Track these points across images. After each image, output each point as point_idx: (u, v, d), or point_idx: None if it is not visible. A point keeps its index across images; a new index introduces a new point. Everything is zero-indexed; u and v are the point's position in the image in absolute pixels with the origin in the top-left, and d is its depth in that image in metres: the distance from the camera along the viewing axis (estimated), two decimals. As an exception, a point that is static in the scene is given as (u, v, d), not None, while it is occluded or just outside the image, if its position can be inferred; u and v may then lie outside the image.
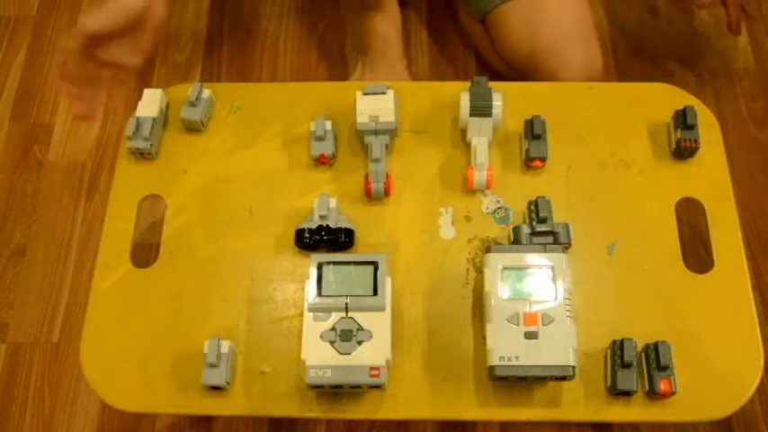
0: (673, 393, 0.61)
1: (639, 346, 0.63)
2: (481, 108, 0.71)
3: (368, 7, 1.06)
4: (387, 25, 1.07)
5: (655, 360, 0.62)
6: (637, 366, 0.62)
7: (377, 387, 0.61)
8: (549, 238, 0.67)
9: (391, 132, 0.73)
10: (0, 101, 1.18)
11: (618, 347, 0.62)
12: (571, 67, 0.90)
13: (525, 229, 0.67)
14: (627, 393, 0.62)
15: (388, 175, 0.71)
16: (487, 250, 0.65)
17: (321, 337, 0.61)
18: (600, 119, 0.76)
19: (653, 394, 0.61)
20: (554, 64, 0.90)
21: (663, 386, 0.61)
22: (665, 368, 0.61)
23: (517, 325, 0.60)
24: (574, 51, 0.91)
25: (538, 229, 0.67)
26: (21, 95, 1.19)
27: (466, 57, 1.19)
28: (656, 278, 0.67)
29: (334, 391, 0.63)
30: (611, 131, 0.75)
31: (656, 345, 0.62)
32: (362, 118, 0.72)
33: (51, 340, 1.00)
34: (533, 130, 0.72)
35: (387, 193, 0.71)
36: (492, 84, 0.73)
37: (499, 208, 0.72)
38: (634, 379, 0.61)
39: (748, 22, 1.20)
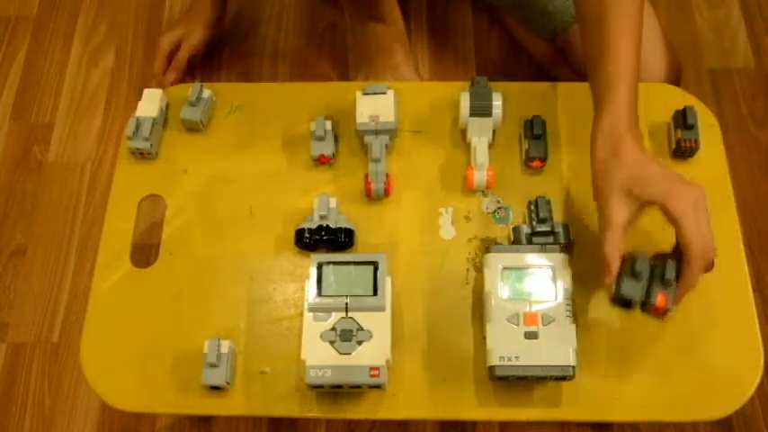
0: (667, 310, 0.60)
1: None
2: (481, 108, 0.71)
3: (371, 19, 1.06)
4: (390, 37, 1.07)
5: (660, 275, 0.61)
6: (645, 280, 0.61)
7: (377, 387, 0.61)
8: (549, 238, 0.67)
9: (391, 132, 0.73)
10: (0, 101, 1.18)
11: (632, 259, 0.61)
12: (655, 75, 0.86)
13: (525, 229, 0.67)
14: (627, 304, 0.62)
15: (388, 175, 0.71)
16: (487, 250, 0.65)
17: (321, 337, 0.61)
18: (600, 119, 0.76)
19: (648, 306, 0.61)
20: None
21: (659, 300, 0.60)
22: (668, 283, 0.60)
23: (517, 325, 0.60)
24: (657, 60, 0.87)
25: (538, 229, 0.67)
26: (21, 95, 1.18)
27: (466, 57, 1.19)
28: (656, 278, 0.67)
29: (334, 391, 0.63)
30: (611, 131, 0.75)
31: (664, 262, 0.61)
32: (362, 118, 0.72)
33: (51, 340, 1.00)
34: (533, 130, 0.72)
35: (387, 193, 0.71)
36: (492, 84, 0.73)
37: (499, 208, 0.72)
38: (638, 289, 0.60)
39: (747, 23, 1.20)
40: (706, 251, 0.58)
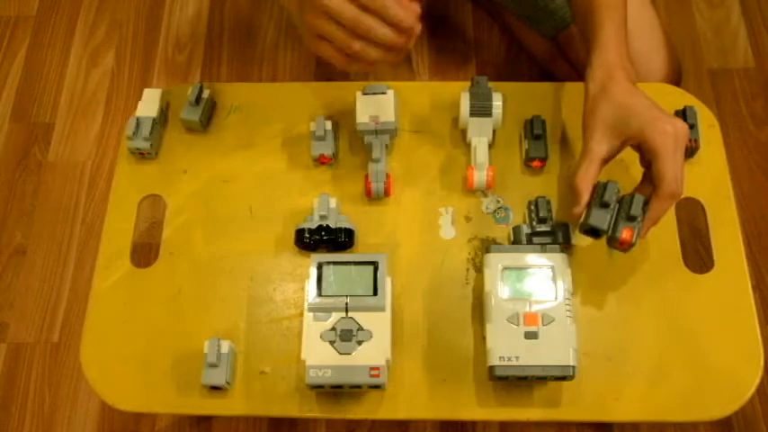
0: (632, 245, 0.61)
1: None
2: (481, 108, 0.71)
3: None
4: None
5: (626, 209, 0.61)
6: (613, 210, 0.62)
7: (377, 387, 0.61)
8: (549, 238, 0.67)
9: (391, 132, 0.73)
10: (0, 101, 1.18)
11: (601, 188, 0.62)
12: (656, 75, 0.87)
13: (525, 229, 0.67)
14: (596, 233, 0.62)
15: (388, 175, 0.71)
16: (487, 250, 0.65)
17: (321, 337, 0.61)
18: (600, 119, 0.76)
19: (613, 241, 0.62)
20: (639, 73, 0.81)
21: (624, 235, 0.61)
22: (633, 219, 0.61)
23: (517, 325, 0.60)
24: (659, 59, 0.88)
25: (538, 229, 0.67)
26: (21, 95, 1.19)
27: (466, 57, 1.19)
28: (656, 278, 0.67)
29: (334, 391, 0.63)
30: (611, 131, 0.75)
31: (632, 196, 0.62)
32: (362, 118, 0.72)
33: (51, 340, 1.00)
34: (533, 130, 0.72)
35: (387, 193, 0.71)
36: (492, 84, 0.73)
37: (499, 208, 0.72)
38: (606, 218, 0.61)
39: (747, 23, 1.20)
40: (677, 187, 0.60)
